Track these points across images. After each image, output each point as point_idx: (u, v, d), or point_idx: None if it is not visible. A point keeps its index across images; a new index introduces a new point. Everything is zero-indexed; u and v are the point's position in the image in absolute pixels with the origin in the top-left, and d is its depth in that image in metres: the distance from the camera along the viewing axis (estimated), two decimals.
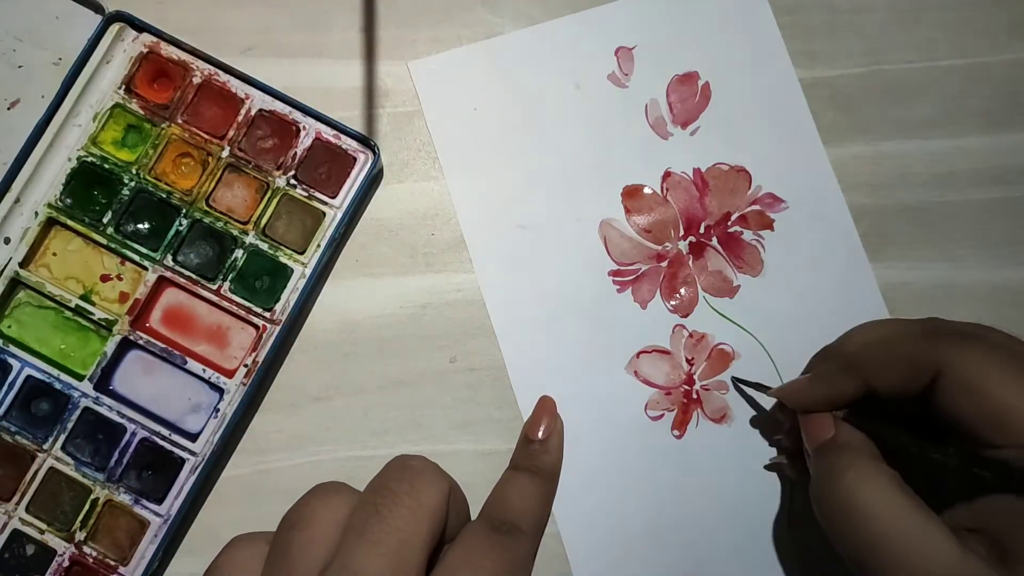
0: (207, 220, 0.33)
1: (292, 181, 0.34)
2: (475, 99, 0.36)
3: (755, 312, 0.35)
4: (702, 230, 0.35)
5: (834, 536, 0.27)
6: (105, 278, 0.33)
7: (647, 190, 0.36)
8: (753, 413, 0.34)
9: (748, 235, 0.35)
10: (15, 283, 0.33)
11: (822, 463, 0.28)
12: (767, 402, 0.34)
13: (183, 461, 0.32)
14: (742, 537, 0.33)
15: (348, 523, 0.23)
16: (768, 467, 0.34)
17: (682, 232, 0.35)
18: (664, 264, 0.35)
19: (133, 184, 0.33)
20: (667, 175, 0.36)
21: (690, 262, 0.35)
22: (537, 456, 0.32)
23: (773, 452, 0.34)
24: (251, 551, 0.24)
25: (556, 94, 0.36)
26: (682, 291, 0.35)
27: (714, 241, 0.35)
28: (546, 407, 0.33)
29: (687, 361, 0.34)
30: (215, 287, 0.33)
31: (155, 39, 0.34)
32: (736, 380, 0.34)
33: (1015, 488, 0.25)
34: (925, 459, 0.27)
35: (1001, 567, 0.25)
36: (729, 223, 0.35)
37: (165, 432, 0.32)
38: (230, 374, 0.33)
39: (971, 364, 0.26)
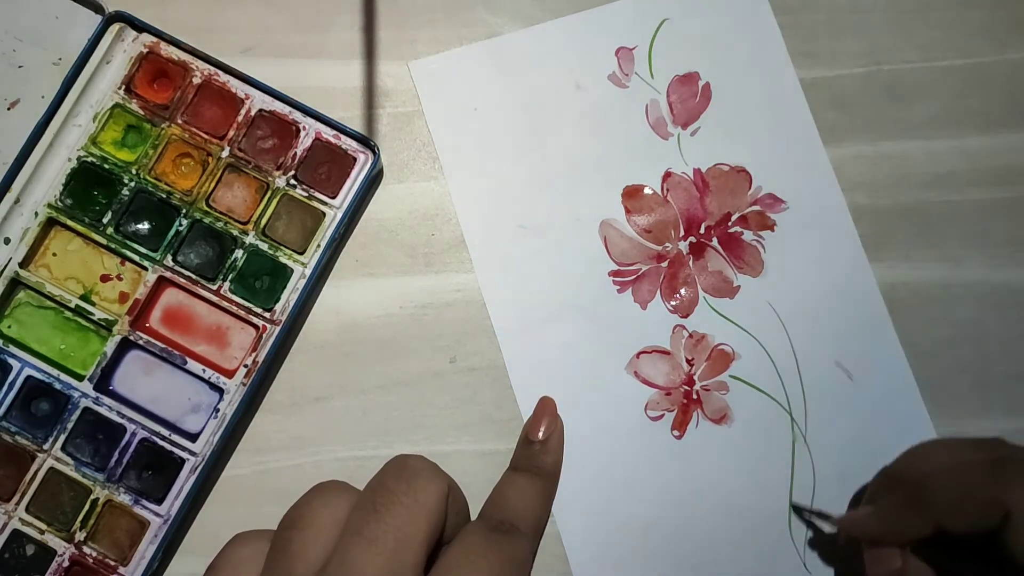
0: (207, 220, 0.33)
1: (292, 181, 0.34)
2: (476, 99, 0.36)
3: (755, 313, 0.35)
4: (702, 230, 0.35)
5: None
6: (105, 278, 0.33)
7: (647, 190, 0.36)
8: (750, 411, 0.34)
9: (748, 236, 0.35)
10: (15, 283, 0.33)
11: None
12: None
13: (183, 461, 0.32)
14: (742, 537, 0.33)
15: (347, 522, 0.23)
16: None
17: (682, 232, 0.35)
18: (664, 264, 0.35)
19: (133, 184, 0.33)
20: (667, 175, 0.36)
21: (690, 262, 0.35)
22: (537, 457, 0.32)
23: (772, 454, 0.34)
24: (252, 549, 0.24)
25: (557, 94, 0.36)
26: (682, 291, 0.35)
27: (714, 242, 0.35)
28: (546, 408, 0.33)
29: (687, 361, 0.34)
30: (215, 287, 0.33)
31: (155, 39, 0.34)
32: (796, 507, 0.34)
33: None
34: None
35: None
36: (729, 224, 0.35)
37: (165, 432, 0.32)
38: (230, 374, 0.33)
39: None
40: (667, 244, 0.35)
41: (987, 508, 0.27)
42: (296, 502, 0.25)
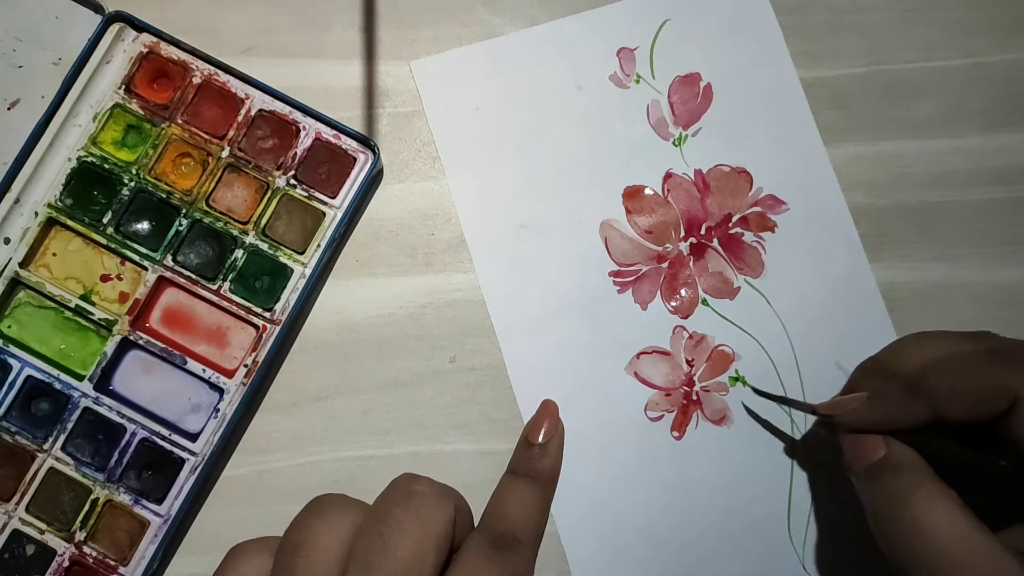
0: (207, 220, 0.33)
1: (292, 181, 0.34)
2: (477, 99, 0.36)
3: (755, 314, 0.35)
4: (703, 231, 0.35)
5: (896, 556, 0.27)
6: (105, 278, 0.33)
7: (648, 191, 0.36)
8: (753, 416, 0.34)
9: (749, 236, 0.35)
10: (15, 283, 0.33)
11: (879, 484, 0.27)
12: (773, 413, 0.34)
13: (183, 461, 0.32)
14: (741, 539, 0.33)
15: (352, 552, 0.23)
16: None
17: (683, 233, 0.35)
18: (665, 265, 0.35)
19: (133, 184, 0.33)
20: (668, 176, 0.36)
21: (691, 263, 0.35)
22: (536, 460, 0.32)
23: (772, 455, 0.34)
24: (252, 567, 0.24)
25: (558, 94, 0.36)
26: (682, 292, 0.35)
27: (715, 242, 0.35)
28: (548, 411, 0.33)
29: (687, 362, 0.34)
30: (215, 287, 0.33)
31: (155, 39, 0.34)
32: (760, 392, 0.33)
33: None
34: (979, 473, 0.27)
35: None
36: (730, 224, 0.35)
37: (165, 432, 0.32)
38: (230, 374, 0.33)
39: None
40: (668, 245, 0.35)
41: (991, 395, 0.26)
42: (295, 522, 0.24)
